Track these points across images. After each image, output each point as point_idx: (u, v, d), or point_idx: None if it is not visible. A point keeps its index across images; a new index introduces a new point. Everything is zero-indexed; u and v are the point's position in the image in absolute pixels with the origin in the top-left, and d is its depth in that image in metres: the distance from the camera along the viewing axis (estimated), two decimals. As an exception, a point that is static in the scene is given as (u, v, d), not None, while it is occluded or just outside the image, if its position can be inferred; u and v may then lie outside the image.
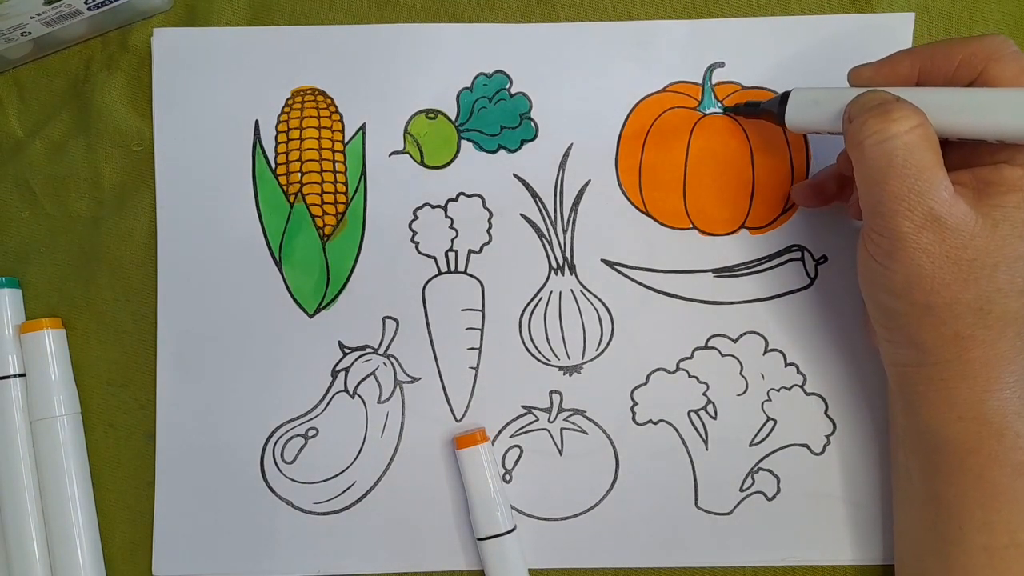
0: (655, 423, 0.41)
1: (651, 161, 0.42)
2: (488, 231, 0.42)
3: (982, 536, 0.32)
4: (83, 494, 0.41)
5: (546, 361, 0.42)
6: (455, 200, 0.42)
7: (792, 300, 0.42)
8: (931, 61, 0.34)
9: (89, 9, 0.40)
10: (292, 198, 0.42)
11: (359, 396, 0.42)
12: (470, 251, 0.42)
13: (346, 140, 0.42)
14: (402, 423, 0.42)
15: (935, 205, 0.30)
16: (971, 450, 0.32)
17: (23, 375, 0.41)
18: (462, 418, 0.42)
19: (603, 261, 0.42)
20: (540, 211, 0.42)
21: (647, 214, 0.42)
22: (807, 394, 0.41)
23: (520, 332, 0.42)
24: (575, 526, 0.41)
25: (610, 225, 0.42)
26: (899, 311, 0.32)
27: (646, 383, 0.42)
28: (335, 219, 0.42)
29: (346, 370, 0.42)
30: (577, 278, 0.42)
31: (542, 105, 0.42)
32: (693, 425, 0.41)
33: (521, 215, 0.42)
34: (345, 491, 0.41)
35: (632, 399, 0.41)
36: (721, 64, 0.42)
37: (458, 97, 0.43)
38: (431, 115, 0.43)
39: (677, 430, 0.41)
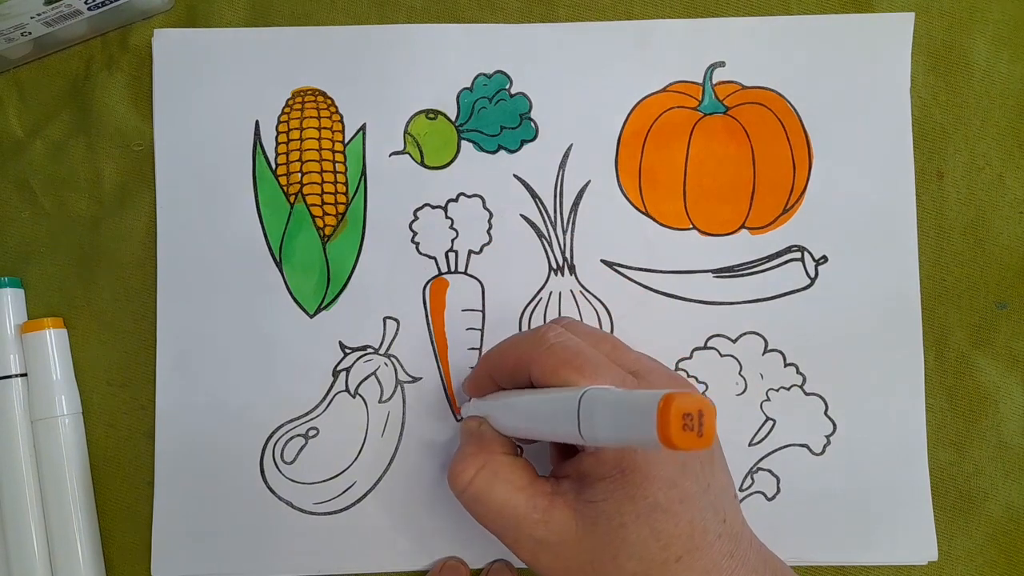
0: (655, 423, 0.41)
1: (651, 161, 0.42)
2: (488, 231, 0.42)
3: None
4: (84, 494, 0.41)
5: (546, 361, 0.42)
6: (455, 200, 0.42)
7: (792, 300, 0.42)
8: (496, 368, 0.35)
9: (89, 9, 0.40)
10: (292, 198, 0.42)
11: (360, 396, 0.42)
12: (470, 251, 0.42)
13: (346, 140, 0.42)
14: (403, 423, 0.42)
15: (532, 530, 0.31)
16: None
17: (24, 375, 0.41)
18: (463, 418, 0.42)
19: (603, 261, 0.42)
20: (540, 211, 0.42)
21: (647, 214, 0.42)
22: (807, 394, 0.41)
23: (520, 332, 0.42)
24: (575, 526, 0.41)
25: (610, 225, 0.42)
26: None
27: (646, 383, 0.42)
28: (335, 219, 0.42)
29: (347, 370, 0.42)
30: (577, 278, 0.42)
31: (542, 105, 0.42)
32: (693, 425, 0.41)
33: (521, 215, 0.42)
34: (345, 491, 0.41)
35: (632, 399, 0.41)
36: (722, 63, 0.42)
37: (458, 97, 0.43)
38: (431, 115, 0.43)
39: (677, 430, 0.41)
